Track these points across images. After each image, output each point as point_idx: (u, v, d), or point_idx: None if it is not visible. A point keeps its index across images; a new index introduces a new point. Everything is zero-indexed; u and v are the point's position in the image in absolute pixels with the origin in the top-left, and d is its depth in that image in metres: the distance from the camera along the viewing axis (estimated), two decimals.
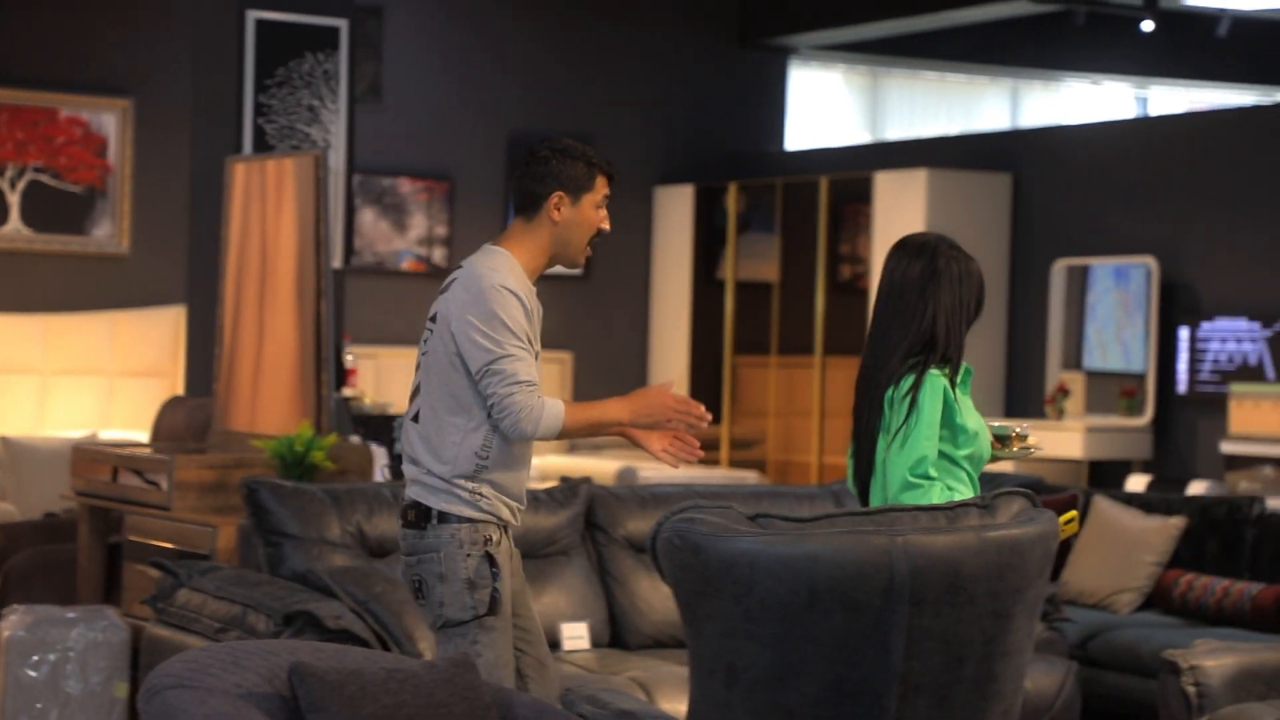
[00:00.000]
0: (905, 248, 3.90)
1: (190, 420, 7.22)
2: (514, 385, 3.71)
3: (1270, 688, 4.52)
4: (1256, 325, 9.02)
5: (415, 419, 3.83)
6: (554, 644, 5.08)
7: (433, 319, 3.84)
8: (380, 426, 7.19)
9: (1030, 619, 3.31)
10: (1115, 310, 9.78)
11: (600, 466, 9.32)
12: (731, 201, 11.37)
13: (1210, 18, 11.50)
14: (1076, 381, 9.77)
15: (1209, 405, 9.19)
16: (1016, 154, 10.35)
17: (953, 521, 3.26)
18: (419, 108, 11.20)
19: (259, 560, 5.07)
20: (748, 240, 11.42)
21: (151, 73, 9.87)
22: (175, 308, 9.39)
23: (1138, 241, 9.60)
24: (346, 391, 7.83)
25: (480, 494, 3.77)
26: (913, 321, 3.83)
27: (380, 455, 6.46)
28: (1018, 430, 3.95)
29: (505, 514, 3.82)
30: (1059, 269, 9.86)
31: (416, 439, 3.82)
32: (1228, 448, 8.75)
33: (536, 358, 3.81)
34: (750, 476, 9.90)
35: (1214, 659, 4.59)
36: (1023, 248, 10.22)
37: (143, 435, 8.34)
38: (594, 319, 11.61)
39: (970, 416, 3.84)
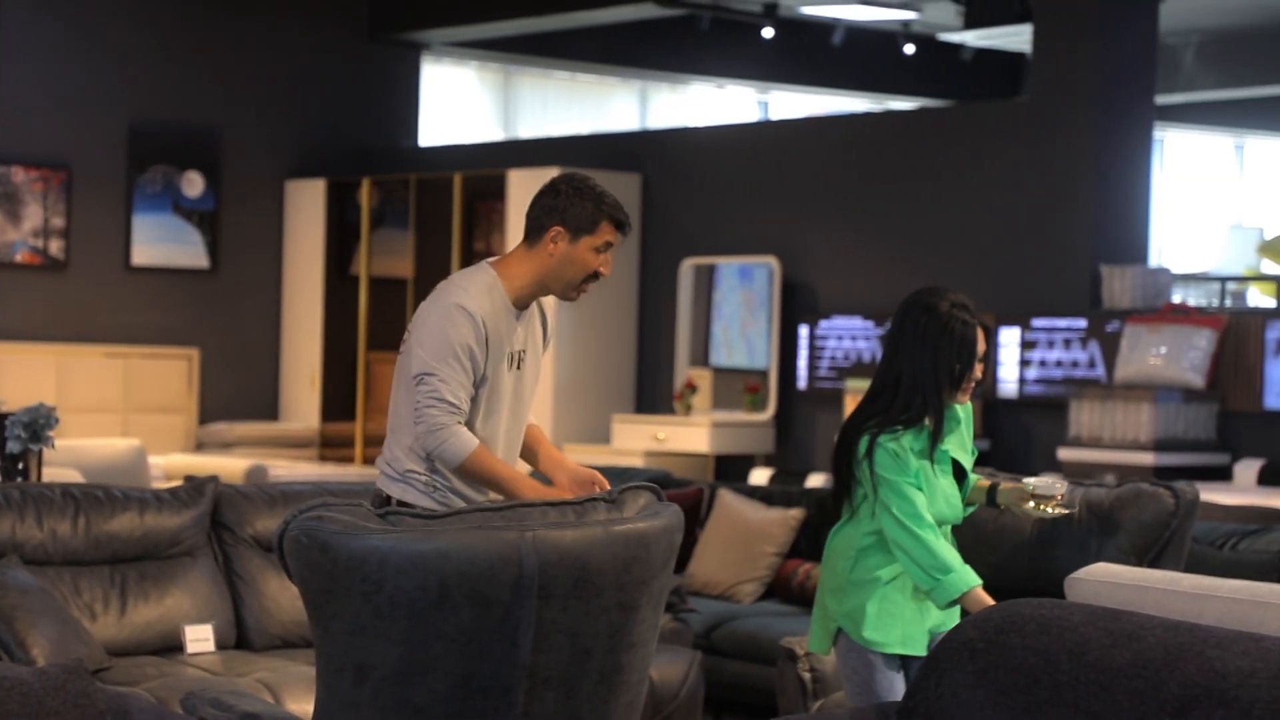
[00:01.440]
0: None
1: None
2: (434, 400, 3.89)
3: None
4: (870, 324, 9.43)
5: (389, 411, 4.05)
6: (177, 647, 4.95)
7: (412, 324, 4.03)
8: None
9: (655, 611, 3.39)
10: (740, 308, 10.07)
11: (228, 465, 9.10)
12: (364, 197, 11.26)
13: (825, 27, 11.96)
14: (704, 378, 10.03)
15: (826, 400, 9.55)
16: (645, 154, 10.56)
17: (581, 516, 3.31)
18: (34, 94, 10.73)
19: None
20: (381, 236, 11.33)
21: None
22: None
23: (760, 242, 9.91)
24: None
25: (435, 485, 3.96)
26: (880, 377, 3.77)
27: None
28: (1041, 488, 3.81)
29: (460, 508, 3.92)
30: (687, 268, 10.10)
31: (388, 430, 4.05)
32: None
33: (481, 382, 3.90)
34: None
35: None
36: (652, 247, 10.43)
37: None
38: (222, 314, 11.33)
39: (931, 485, 3.74)
